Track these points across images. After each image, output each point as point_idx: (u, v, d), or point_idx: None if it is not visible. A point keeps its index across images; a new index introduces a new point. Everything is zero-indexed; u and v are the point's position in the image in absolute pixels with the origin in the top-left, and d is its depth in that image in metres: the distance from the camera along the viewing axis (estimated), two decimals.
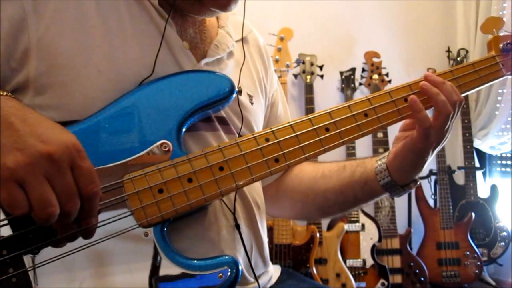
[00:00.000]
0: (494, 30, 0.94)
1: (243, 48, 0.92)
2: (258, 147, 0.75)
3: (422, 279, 2.58)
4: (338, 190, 0.96)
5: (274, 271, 0.99)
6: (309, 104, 2.62)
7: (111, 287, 0.68)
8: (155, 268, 0.69)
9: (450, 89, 0.84)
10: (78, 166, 0.59)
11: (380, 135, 2.65)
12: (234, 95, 0.77)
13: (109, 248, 0.69)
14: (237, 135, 0.86)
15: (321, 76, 2.67)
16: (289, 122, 0.77)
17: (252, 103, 0.92)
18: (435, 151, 0.87)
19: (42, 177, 0.56)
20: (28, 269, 0.64)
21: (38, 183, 0.56)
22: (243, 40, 0.94)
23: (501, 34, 0.94)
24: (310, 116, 0.79)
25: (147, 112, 0.73)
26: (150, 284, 0.68)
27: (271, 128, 0.76)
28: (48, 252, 0.65)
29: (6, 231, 0.63)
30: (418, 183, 0.92)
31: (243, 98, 0.90)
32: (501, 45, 0.92)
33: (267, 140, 0.76)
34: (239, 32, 0.94)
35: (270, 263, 0.97)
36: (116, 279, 0.68)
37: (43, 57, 0.71)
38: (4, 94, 0.64)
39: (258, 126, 0.95)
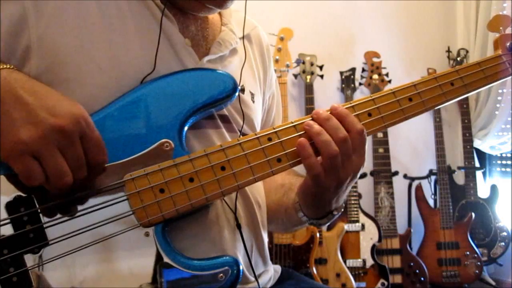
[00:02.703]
0: (501, 28, 0.92)
1: (244, 46, 0.92)
2: (261, 147, 0.74)
3: (422, 279, 2.58)
4: (273, 208, 0.95)
5: (274, 271, 0.99)
6: (309, 104, 2.62)
7: (114, 271, 0.68)
8: (159, 254, 0.69)
9: (336, 125, 0.74)
10: (88, 137, 0.62)
11: (380, 135, 2.65)
12: (237, 94, 0.77)
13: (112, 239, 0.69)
14: (239, 133, 0.85)
15: (321, 76, 2.67)
16: (292, 122, 0.76)
17: (253, 101, 0.92)
18: (347, 187, 0.79)
19: (56, 149, 0.59)
20: (29, 268, 0.63)
21: (53, 155, 0.59)
22: (244, 37, 0.94)
23: (508, 32, 0.92)
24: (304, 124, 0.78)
25: (149, 111, 0.72)
26: (155, 269, 0.68)
27: (274, 128, 0.76)
28: (49, 251, 0.65)
29: (7, 231, 0.63)
30: (338, 213, 0.85)
31: (246, 96, 0.89)
32: (507, 44, 0.90)
33: (269, 140, 0.75)
34: (242, 29, 0.93)
35: (270, 262, 0.97)
36: (120, 265, 0.68)
37: (44, 55, 0.71)
38: (7, 66, 0.65)
39: (260, 124, 0.95)
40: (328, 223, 0.88)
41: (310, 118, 0.77)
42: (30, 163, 0.58)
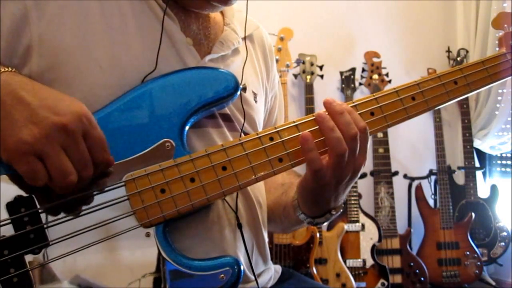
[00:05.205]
0: (505, 26, 0.90)
1: (246, 46, 0.92)
2: (262, 146, 0.74)
3: (422, 279, 2.58)
4: (271, 207, 0.95)
5: (275, 271, 0.99)
6: (309, 104, 2.62)
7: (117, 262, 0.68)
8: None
9: (349, 120, 0.72)
10: (90, 135, 0.61)
11: (380, 135, 2.65)
12: (239, 93, 0.76)
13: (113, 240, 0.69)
14: (241, 132, 0.85)
15: (321, 76, 2.67)
16: (294, 122, 0.76)
17: (256, 101, 0.91)
18: (347, 186, 0.77)
19: (59, 148, 0.59)
20: (30, 269, 0.63)
21: (56, 154, 0.58)
22: (246, 38, 0.93)
23: None
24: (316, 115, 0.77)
25: (150, 110, 0.72)
26: (158, 259, 0.68)
27: (275, 128, 0.75)
28: (51, 249, 0.65)
29: (8, 231, 0.63)
30: (337, 213, 0.83)
31: (248, 95, 0.89)
32: None
33: (271, 139, 0.74)
34: (244, 29, 0.93)
35: (270, 262, 0.97)
36: (122, 258, 0.68)
37: (44, 54, 0.70)
38: (8, 70, 0.64)
39: (262, 124, 0.94)
40: (326, 223, 0.87)
41: (324, 111, 0.75)
42: (34, 163, 0.58)
